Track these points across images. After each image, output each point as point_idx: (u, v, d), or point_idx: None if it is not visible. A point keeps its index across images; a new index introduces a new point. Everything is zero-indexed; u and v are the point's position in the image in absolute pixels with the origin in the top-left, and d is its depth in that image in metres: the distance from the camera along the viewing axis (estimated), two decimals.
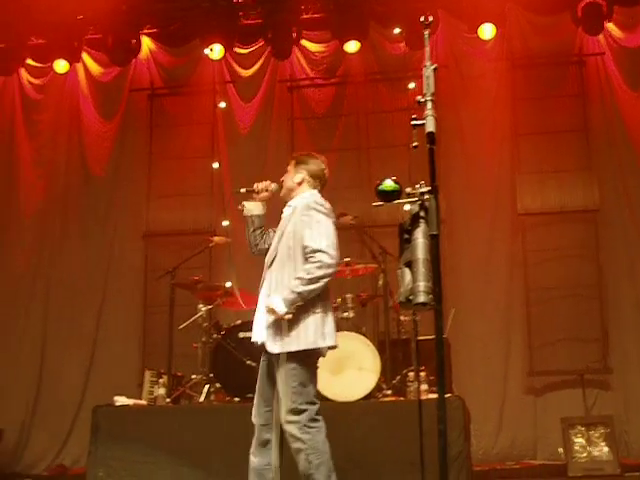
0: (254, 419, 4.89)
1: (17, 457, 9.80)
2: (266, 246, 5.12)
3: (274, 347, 4.74)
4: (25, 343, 10.15)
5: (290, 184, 5.22)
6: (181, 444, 6.72)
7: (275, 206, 5.29)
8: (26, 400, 9.97)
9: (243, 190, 5.29)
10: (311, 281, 4.70)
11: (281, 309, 4.65)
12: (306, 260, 4.80)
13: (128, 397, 7.43)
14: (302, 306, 4.73)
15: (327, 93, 10.45)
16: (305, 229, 4.86)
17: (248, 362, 7.13)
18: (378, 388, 7.09)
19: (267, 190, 5.29)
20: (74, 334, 10.03)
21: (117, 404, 7.27)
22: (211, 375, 7.56)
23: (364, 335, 7.31)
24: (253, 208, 5.25)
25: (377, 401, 6.98)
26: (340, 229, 9.04)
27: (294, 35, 10.26)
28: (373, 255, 7.87)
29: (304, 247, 4.82)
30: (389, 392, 7.18)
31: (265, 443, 4.82)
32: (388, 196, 3.41)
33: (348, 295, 7.63)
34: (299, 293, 4.68)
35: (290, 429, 4.65)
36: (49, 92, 10.86)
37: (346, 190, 9.83)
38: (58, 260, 10.33)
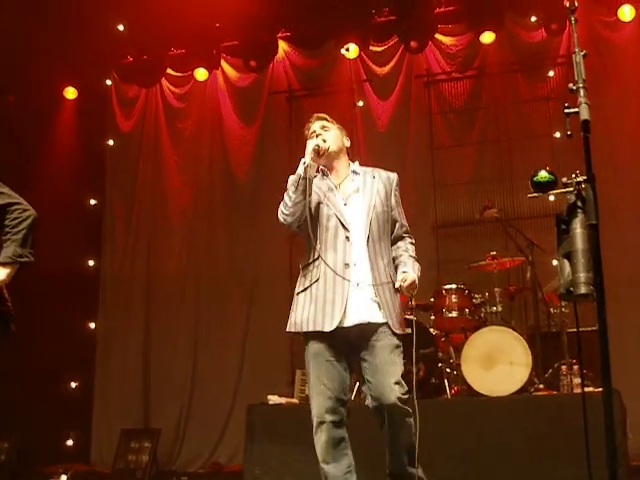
0: (329, 417, 4.34)
1: (174, 456, 10.05)
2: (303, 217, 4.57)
3: (398, 326, 4.43)
4: (178, 344, 10.42)
5: (340, 145, 4.78)
6: None
7: None
8: (181, 400, 10.22)
9: (317, 147, 4.56)
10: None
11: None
12: (401, 238, 4.69)
13: (280, 396, 7.55)
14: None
15: (464, 86, 10.34)
16: (398, 206, 4.75)
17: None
18: (530, 382, 7.01)
19: (324, 151, 4.63)
20: (224, 334, 10.25)
21: (270, 403, 7.41)
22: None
23: (513, 329, 7.24)
24: (314, 171, 4.63)
25: (530, 395, 6.90)
26: (484, 222, 9.08)
27: (428, 30, 10.23)
28: (519, 248, 7.79)
29: (401, 225, 4.70)
30: (541, 386, 7.09)
31: (339, 442, 4.38)
32: (544, 187, 3.36)
33: (496, 289, 7.58)
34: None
35: (404, 406, 4.28)
36: (190, 100, 11.13)
37: (487, 183, 9.78)
38: (206, 263, 10.57)
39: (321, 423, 4.35)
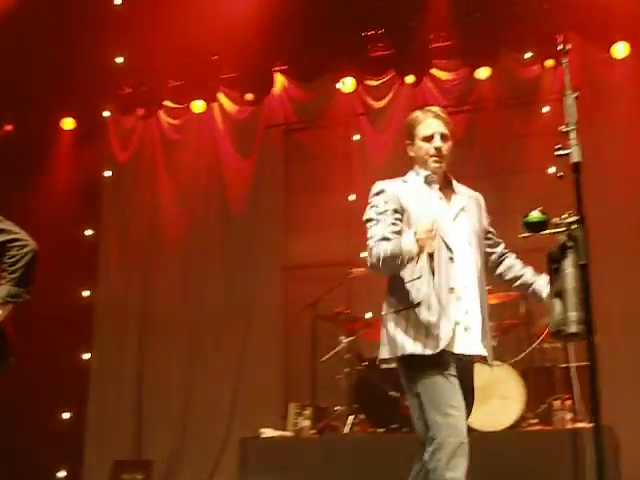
0: (465, 439, 3.92)
1: None
2: None
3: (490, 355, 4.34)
4: (172, 375, 10.39)
5: (448, 155, 4.52)
6: (327, 475, 6.78)
7: None
8: (174, 431, 10.17)
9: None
10: None
11: None
12: (498, 244, 4.55)
13: (274, 429, 7.55)
14: None
15: (460, 121, 10.33)
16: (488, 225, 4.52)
17: (391, 393, 7.15)
18: (523, 417, 7.01)
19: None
20: (218, 366, 10.16)
21: (263, 436, 7.40)
22: (355, 406, 7.61)
23: (507, 364, 7.25)
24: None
25: (524, 430, 6.90)
26: None
27: (424, 64, 10.29)
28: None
29: (493, 233, 4.54)
30: (535, 421, 7.09)
31: None
32: (535, 227, 3.42)
33: (490, 323, 7.55)
34: None
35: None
36: (187, 132, 11.16)
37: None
38: (201, 294, 10.55)
39: (463, 444, 3.92)
